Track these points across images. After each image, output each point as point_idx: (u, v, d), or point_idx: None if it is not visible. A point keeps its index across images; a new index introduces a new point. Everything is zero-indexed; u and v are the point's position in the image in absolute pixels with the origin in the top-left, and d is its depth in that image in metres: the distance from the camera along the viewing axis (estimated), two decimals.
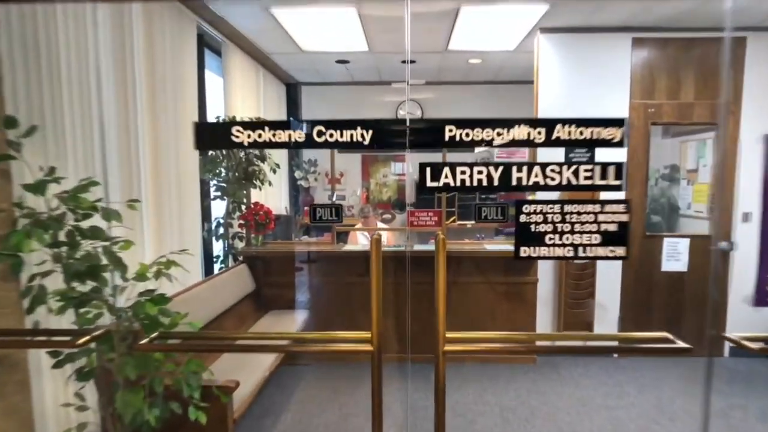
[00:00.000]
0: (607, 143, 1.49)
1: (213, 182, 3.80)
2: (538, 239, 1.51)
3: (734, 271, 3.94)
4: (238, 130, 1.52)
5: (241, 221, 3.87)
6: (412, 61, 5.17)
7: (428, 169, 1.54)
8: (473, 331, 3.90)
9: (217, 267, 3.91)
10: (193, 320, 2.38)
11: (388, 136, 1.58)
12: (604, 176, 1.46)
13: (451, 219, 5.94)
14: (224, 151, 3.65)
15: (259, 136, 1.53)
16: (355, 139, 1.54)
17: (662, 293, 3.97)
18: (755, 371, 3.70)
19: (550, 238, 1.50)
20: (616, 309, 4.00)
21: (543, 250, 1.51)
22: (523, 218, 1.52)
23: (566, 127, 1.49)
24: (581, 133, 1.48)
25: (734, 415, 3.02)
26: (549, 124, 1.52)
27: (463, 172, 1.53)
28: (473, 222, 6.01)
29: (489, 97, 6.03)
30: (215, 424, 2.20)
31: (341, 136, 1.55)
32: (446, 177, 1.54)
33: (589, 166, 1.49)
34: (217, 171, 3.67)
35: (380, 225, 4.83)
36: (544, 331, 4.02)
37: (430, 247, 3.91)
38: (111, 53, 2.55)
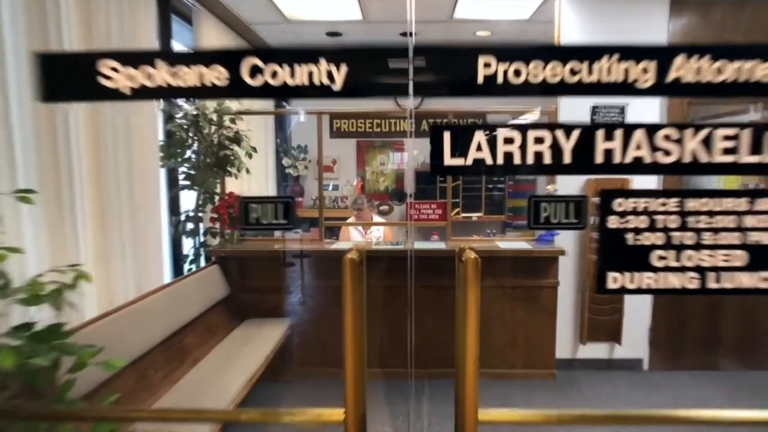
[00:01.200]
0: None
1: (181, 169, 3.18)
2: (637, 258, 0.90)
3: None
4: (111, 68, 0.90)
5: (213, 215, 3.26)
6: (413, 33, 4.52)
7: (448, 136, 0.91)
8: (483, 340, 3.33)
9: (186, 269, 3.30)
10: (144, 339, 1.80)
11: (375, 75, 0.94)
12: (758, 148, 0.84)
13: (455, 211, 5.34)
14: (190, 132, 3.03)
15: (149, 77, 0.90)
16: (317, 82, 0.91)
17: (702, 299, 3.38)
18: None
19: (662, 258, 0.89)
20: (647, 316, 3.42)
21: (648, 278, 0.90)
22: (613, 222, 0.91)
23: (699, 59, 0.85)
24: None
25: None
26: (663, 54, 0.88)
27: (509, 141, 0.90)
28: (480, 214, 5.43)
29: None
30: None
31: (292, 76, 0.91)
32: (479, 149, 0.91)
33: (732, 131, 0.86)
34: (185, 156, 3.05)
35: (376, 218, 4.21)
36: (564, 342, 3.44)
37: (434, 244, 3.31)
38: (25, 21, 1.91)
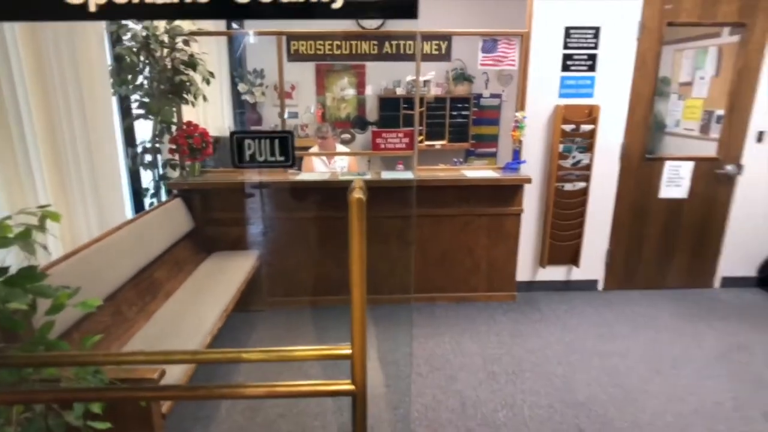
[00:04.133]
0: None
1: (134, 97, 2.85)
2: None
3: (737, 197, 3.51)
4: None
5: (172, 146, 2.99)
6: None
7: None
8: (447, 268, 3.37)
9: (148, 203, 3.07)
10: (114, 276, 1.69)
11: None
12: None
13: (419, 138, 5.20)
14: (141, 56, 2.68)
15: None
16: None
17: (658, 223, 3.52)
18: (747, 302, 3.43)
19: None
20: (605, 241, 3.54)
21: None
22: None
23: None
24: None
25: (737, 357, 2.70)
26: None
27: None
28: (444, 142, 5.32)
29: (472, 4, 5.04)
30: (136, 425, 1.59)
31: None
32: None
33: None
34: (137, 83, 2.71)
35: (339, 147, 4.03)
36: (525, 266, 3.55)
37: (401, 174, 3.21)
38: None
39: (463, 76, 5.12)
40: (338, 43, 5.26)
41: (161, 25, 2.72)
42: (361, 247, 0.97)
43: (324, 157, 3.87)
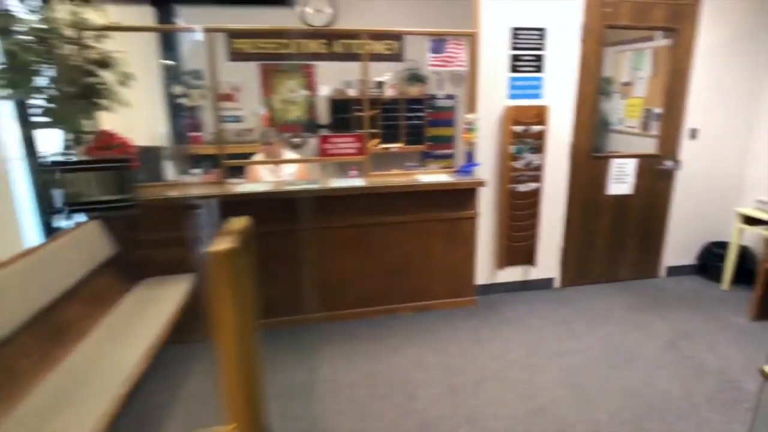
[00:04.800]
0: None
1: (36, 102, 2.58)
2: None
3: (677, 190, 3.75)
4: None
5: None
6: None
7: None
8: (406, 276, 3.37)
9: (61, 225, 2.82)
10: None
11: None
12: None
13: (374, 142, 5.19)
14: (38, 54, 2.42)
15: None
16: None
17: (607, 219, 3.70)
18: (688, 289, 3.68)
19: None
20: (559, 239, 3.68)
21: None
22: None
23: None
24: None
25: (682, 345, 2.89)
26: None
27: None
28: (400, 145, 5.33)
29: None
30: None
31: None
32: None
33: None
34: (35, 85, 2.45)
35: (288, 154, 3.93)
36: (484, 269, 3.62)
37: (352, 181, 3.17)
38: None
39: (416, 77, 5.16)
40: (284, 41, 5.15)
41: (64, 16, 2.43)
42: (234, 317, 0.84)
43: (272, 167, 3.76)
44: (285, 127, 5.30)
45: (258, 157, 3.82)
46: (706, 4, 3.35)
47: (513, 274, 3.69)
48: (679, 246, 3.91)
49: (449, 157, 5.38)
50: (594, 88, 3.41)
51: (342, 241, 3.18)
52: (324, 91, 5.13)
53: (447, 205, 3.26)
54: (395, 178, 3.30)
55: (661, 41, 4.04)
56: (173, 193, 2.90)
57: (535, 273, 3.71)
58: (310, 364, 2.75)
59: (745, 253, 3.69)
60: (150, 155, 3.35)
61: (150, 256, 2.89)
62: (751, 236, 3.65)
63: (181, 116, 4.94)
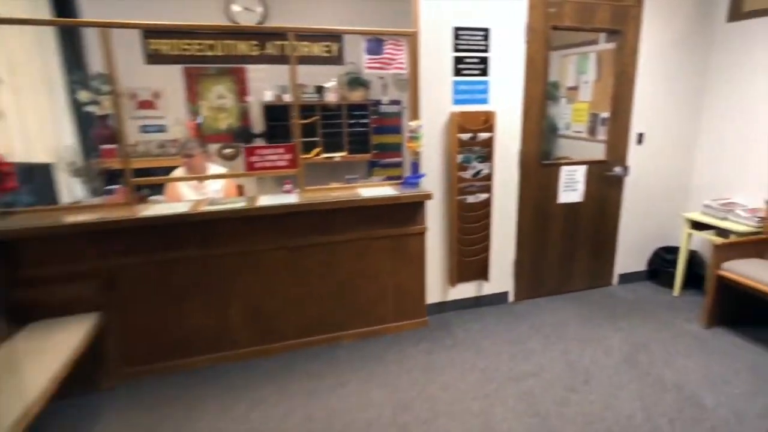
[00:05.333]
0: None
1: None
2: None
3: (626, 196, 3.74)
4: None
5: None
6: None
7: None
8: (350, 300, 3.11)
9: None
10: None
11: None
12: None
13: (315, 152, 4.91)
14: None
15: None
16: None
17: (559, 228, 3.62)
18: (641, 296, 3.66)
19: None
20: (512, 251, 3.56)
21: None
22: None
23: None
24: None
25: (640, 359, 2.81)
26: None
27: None
28: (343, 154, 5.08)
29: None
30: None
31: None
32: None
33: None
34: None
35: (214, 168, 3.57)
36: (435, 287, 3.43)
37: (283, 198, 2.88)
38: None
39: (358, 81, 4.94)
40: (210, 42, 4.78)
41: None
42: None
43: (195, 183, 3.40)
44: (215, 137, 4.93)
45: (178, 172, 3.45)
46: (647, 6, 3.36)
47: (466, 290, 3.53)
48: (630, 253, 3.91)
49: (398, 165, 5.19)
50: (541, 93, 3.32)
51: (275, 265, 2.88)
52: (266, 96, 4.80)
53: (392, 221, 3.04)
54: (334, 192, 3.04)
55: (605, 45, 4.05)
56: (70, 218, 2.49)
57: (488, 288, 3.57)
58: (237, 410, 2.43)
59: (693, 258, 3.73)
60: (40, 173, 2.91)
61: (37, 296, 2.45)
62: (699, 241, 3.70)
63: (92, 126, 4.45)
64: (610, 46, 3.83)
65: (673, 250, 3.86)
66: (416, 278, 3.22)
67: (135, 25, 2.64)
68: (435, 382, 2.66)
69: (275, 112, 4.77)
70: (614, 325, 3.24)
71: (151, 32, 4.51)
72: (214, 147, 4.87)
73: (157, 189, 3.34)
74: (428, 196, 3.00)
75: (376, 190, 3.05)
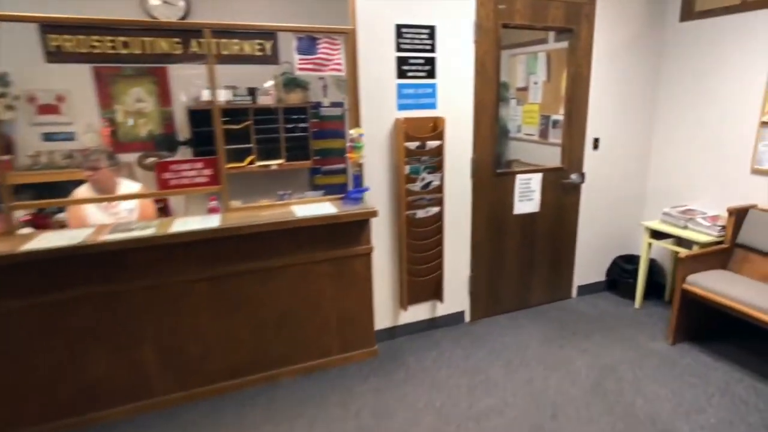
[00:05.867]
0: None
1: None
2: None
3: (583, 205, 3.62)
4: None
5: None
6: None
7: None
8: (289, 332, 2.78)
9: None
10: None
11: None
12: None
13: (248, 160, 4.53)
14: None
15: None
16: None
17: (515, 240, 3.45)
18: (602, 309, 3.55)
19: None
20: (466, 268, 3.35)
21: None
22: None
23: None
24: None
25: (609, 387, 2.65)
26: None
27: None
28: (280, 161, 4.71)
29: None
30: None
31: None
32: None
33: None
34: None
35: (125, 185, 3.12)
36: (384, 312, 3.16)
37: (203, 222, 2.51)
38: None
39: (295, 82, 4.59)
40: (124, 39, 4.26)
41: None
42: None
43: (103, 204, 2.94)
44: (134, 145, 4.43)
45: (82, 190, 2.98)
46: (600, 4, 3.25)
47: (419, 312, 3.28)
48: (589, 263, 3.80)
49: (342, 172, 4.88)
50: (493, 96, 3.13)
51: (196, 298, 2.51)
52: (192, 99, 4.36)
53: (334, 242, 2.74)
54: (265, 211, 2.70)
55: (555, 44, 3.94)
56: None
57: (443, 308, 3.35)
58: None
59: (652, 267, 3.66)
60: None
61: None
62: (657, 249, 3.64)
63: None
64: (560, 45, 3.72)
65: (632, 259, 3.79)
66: (363, 304, 2.93)
67: (30, 18, 2.23)
68: (386, 428, 2.38)
69: (202, 117, 4.33)
70: (578, 346, 3.09)
71: (50, 26, 3.96)
72: (132, 157, 4.38)
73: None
74: (373, 213, 2.72)
75: (314, 207, 2.74)
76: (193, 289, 2.50)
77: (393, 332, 3.24)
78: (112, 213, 2.97)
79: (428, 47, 2.87)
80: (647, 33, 3.46)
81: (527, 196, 3.37)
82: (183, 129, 4.52)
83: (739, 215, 2.96)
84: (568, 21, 3.20)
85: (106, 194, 2.94)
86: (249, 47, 4.62)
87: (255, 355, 2.72)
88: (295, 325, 2.77)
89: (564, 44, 3.44)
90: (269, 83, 4.51)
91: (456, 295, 3.36)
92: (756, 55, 2.97)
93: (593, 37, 3.28)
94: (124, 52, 4.30)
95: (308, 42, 2.66)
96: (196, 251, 2.45)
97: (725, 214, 3.07)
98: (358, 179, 2.82)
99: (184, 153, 4.46)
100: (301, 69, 2.68)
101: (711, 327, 3.11)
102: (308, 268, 2.72)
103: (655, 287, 3.71)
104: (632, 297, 3.65)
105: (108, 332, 2.37)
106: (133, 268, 2.36)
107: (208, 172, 2.60)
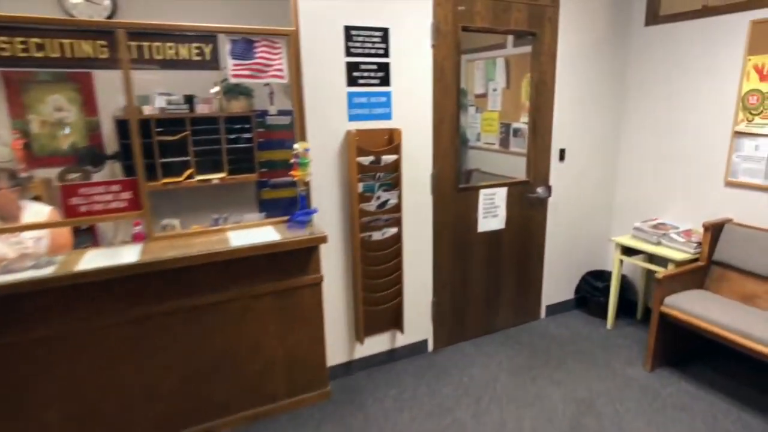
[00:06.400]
0: None
1: None
2: None
3: (550, 220, 3.47)
4: None
5: None
6: None
7: None
8: (228, 377, 2.41)
9: None
10: None
11: None
12: None
13: (186, 174, 4.16)
14: None
15: None
16: None
17: (481, 260, 3.24)
18: (573, 331, 3.39)
19: None
20: (429, 292, 3.11)
21: None
22: None
23: None
24: None
25: (588, 426, 2.46)
26: None
27: None
28: (222, 175, 4.36)
29: None
30: None
31: None
32: None
33: None
34: None
35: (32, 208, 2.71)
36: (338, 347, 2.88)
37: (120, 256, 2.15)
38: None
39: (237, 89, 4.25)
40: (37, 41, 3.83)
41: None
42: None
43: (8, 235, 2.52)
44: (53, 160, 3.97)
45: None
46: (563, 7, 3.11)
47: (377, 344, 3.01)
48: (557, 281, 3.65)
49: (291, 185, 4.56)
50: (453, 105, 2.92)
51: (114, 345, 2.15)
52: (108, 109, 3.95)
53: (278, 272, 2.43)
54: (197, 238, 2.37)
55: (514, 49, 3.80)
56: None
57: (404, 338, 3.09)
58: None
59: (622, 283, 3.54)
60: None
61: None
62: (627, 264, 3.52)
63: None
64: (520, 50, 3.59)
65: (601, 275, 3.67)
66: (313, 340, 2.63)
67: None
68: None
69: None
70: (551, 376, 2.90)
71: None
72: (53, 172, 3.92)
73: None
74: (322, 239, 2.43)
75: (253, 233, 2.43)
76: (108, 335, 2.14)
77: (349, 368, 2.96)
78: (14, 243, 2.56)
79: (381, 52, 2.63)
80: (612, 37, 3.36)
81: (492, 213, 3.17)
82: (111, 141, 4.10)
83: (715, 230, 2.86)
84: (531, 24, 3.04)
85: (4, 220, 2.53)
86: (186, 51, 4.29)
87: (187, 405, 2.37)
88: (234, 369, 2.44)
89: (523, 49, 3.29)
90: (215, 89, 4.16)
91: (418, 323, 3.12)
92: (725, 62, 2.90)
93: (557, 42, 3.14)
94: (39, 55, 3.87)
95: (244, 45, 2.37)
96: (110, 291, 2.09)
97: (699, 229, 2.97)
98: (305, 200, 2.53)
99: (112, 168, 4.04)
100: (235, 76, 2.38)
101: (688, 349, 2.99)
102: (248, 304, 2.41)
103: (627, 304, 3.60)
104: (603, 316, 3.52)
105: (1, 396, 1.99)
106: (31, 316, 1.99)
107: (126, 195, 2.25)
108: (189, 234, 2.43)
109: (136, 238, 2.39)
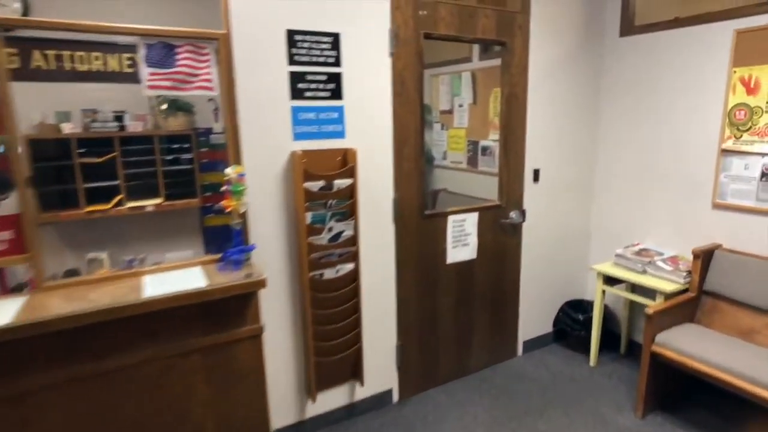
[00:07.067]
0: None
1: None
2: None
3: (524, 247, 3.19)
4: None
5: None
6: None
7: None
8: None
9: None
10: None
11: None
12: None
13: (115, 200, 3.69)
14: None
15: None
16: None
17: (451, 295, 2.92)
18: (553, 370, 3.09)
19: None
20: (392, 336, 2.76)
21: None
22: None
23: None
24: None
25: None
26: None
27: None
28: (158, 201, 3.90)
29: None
30: None
31: None
32: None
33: None
34: None
35: None
36: (284, 406, 2.47)
37: None
38: None
39: (176, 105, 3.83)
40: None
41: None
42: None
43: None
44: None
45: None
46: (534, 15, 2.88)
47: (333, 399, 2.63)
48: (534, 314, 3.37)
49: None
50: (416, 121, 2.62)
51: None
52: (21, 126, 3.45)
53: (206, 324, 2.03)
54: (102, 286, 1.95)
55: (481, 63, 3.57)
56: None
57: (364, 390, 2.72)
58: None
59: (604, 314, 3.28)
60: None
61: None
62: (608, 294, 3.27)
63: None
64: (487, 64, 3.36)
65: (580, 305, 3.41)
66: (253, 403, 2.22)
67: None
68: None
69: (47, 149, 3.45)
70: (534, 427, 2.58)
71: None
72: None
73: None
74: (260, 284, 2.04)
75: (175, 277, 2.02)
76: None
77: (300, 429, 2.55)
78: None
79: (332, 60, 2.30)
80: (586, 48, 3.16)
81: (462, 241, 2.87)
82: (21, 164, 3.58)
83: (705, 257, 2.63)
84: (500, 32, 2.79)
85: None
86: (115, 62, 3.86)
87: None
88: None
89: (491, 62, 3.05)
90: (164, 106, 3.74)
91: (380, 372, 2.75)
92: (708, 74, 2.72)
93: (529, 52, 2.90)
94: None
95: (162, 50, 2.00)
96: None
97: (685, 255, 2.74)
98: (239, 235, 2.15)
99: (22, 196, 3.52)
100: (152, 87, 2.00)
101: (680, 390, 2.74)
102: (170, 364, 1.98)
103: (609, 336, 3.34)
104: (584, 350, 3.25)
105: None
106: None
107: (6, 235, 1.82)
108: (93, 281, 2.00)
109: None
